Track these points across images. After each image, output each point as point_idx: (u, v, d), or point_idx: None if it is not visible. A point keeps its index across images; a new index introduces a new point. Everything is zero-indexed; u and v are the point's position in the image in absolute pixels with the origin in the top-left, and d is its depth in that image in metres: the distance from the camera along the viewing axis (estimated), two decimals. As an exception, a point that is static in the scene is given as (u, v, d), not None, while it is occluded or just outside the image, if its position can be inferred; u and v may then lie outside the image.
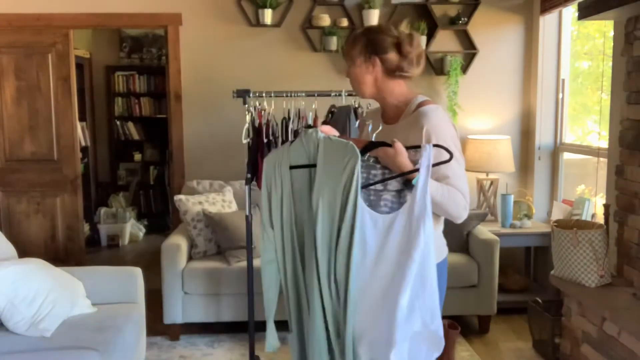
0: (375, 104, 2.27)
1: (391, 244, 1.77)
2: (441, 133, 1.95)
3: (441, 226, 2.10)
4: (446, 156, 1.85)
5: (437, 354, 1.80)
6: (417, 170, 1.80)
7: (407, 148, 1.87)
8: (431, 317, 1.76)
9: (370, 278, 1.78)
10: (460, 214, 1.96)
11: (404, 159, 1.85)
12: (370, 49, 2.05)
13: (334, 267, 1.80)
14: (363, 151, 1.85)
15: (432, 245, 1.76)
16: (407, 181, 1.88)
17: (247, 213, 3.32)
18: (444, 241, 2.13)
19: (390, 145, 1.85)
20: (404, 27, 4.59)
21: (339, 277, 1.80)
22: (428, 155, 1.77)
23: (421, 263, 1.74)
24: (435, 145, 1.84)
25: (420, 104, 2.04)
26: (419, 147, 1.86)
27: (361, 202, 1.77)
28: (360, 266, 1.77)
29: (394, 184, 1.88)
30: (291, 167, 1.92)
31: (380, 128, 2.03)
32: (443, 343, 1.79)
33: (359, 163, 1.76)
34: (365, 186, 1.85)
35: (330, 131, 1.91)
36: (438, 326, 1.77)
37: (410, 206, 1.77)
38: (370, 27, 2.14)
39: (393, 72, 2.06)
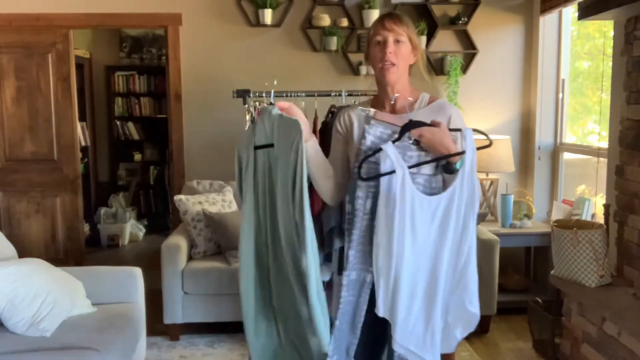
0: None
1: (435, 226, 1.81)
2: (463, 125, 1.99)
3: None
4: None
5: (471, 330, 1.94)
6: (461, 153, 1.81)
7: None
8: (470, 299, 1.88)
9: (419, 257, 1.82)
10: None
11: (450, 141, 1.84)
12: (418, 39, 2.07)
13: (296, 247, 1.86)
14: (403, 130, 1.83)
15: (476, 230, 1.88)
16: (443, 165, 1.87)
17: (247, 213, 3.32)
18: None
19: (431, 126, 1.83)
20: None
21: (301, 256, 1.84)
22: (472, 138, 1.81)
23: (470, 247, 1.86)
24: (475, 130, 1.86)
25: (433, 98, 2.08)
26: (456, 130, 1.88)
27: (411, 184, 1.78)
28: (412, 247, 1.80)
29: (428, 168, 1.86)
30: (255, 148, 1.93)
31: (411, 114, 1.99)
32: (477, 321, 1.93)
33: (302, 141, 1.77)
34: (420, 164, 1.84)
35: (290, 109, 1.88)
36: (477, 307, 1.91)
37: (454, 190, 1.81)
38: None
39: (411, 67, 2.09)
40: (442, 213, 1.81)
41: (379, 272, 1.82)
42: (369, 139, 1.88)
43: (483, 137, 1.93)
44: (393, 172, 1.76)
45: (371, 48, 2.03)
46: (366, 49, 2.09)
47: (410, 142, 1.84)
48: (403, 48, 1.99)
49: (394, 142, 1.81)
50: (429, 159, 1.84)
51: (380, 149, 1.80)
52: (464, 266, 1.87)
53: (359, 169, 1.85)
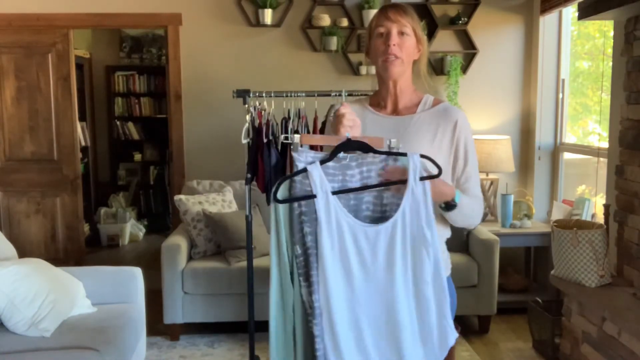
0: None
1: (380, 261, 1.58)
2: (469, 134, 1.86)
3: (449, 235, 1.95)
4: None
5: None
6: (435, 176, 1.61)
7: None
8: (439, 337, 1.63)
9: (371, 298, 1.59)
10: (478, 222, 1.89)
11: (446, 185, 1.73)
12: (422, 33, 1.88)
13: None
14: (337, 150, 1.58)
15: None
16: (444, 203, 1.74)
17: (247, 213, 3.32)
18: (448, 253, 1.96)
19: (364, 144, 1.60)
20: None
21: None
22: (417, 163, 1.59)
23: (436, 278, 1.61)
24: (423, 157, 1.62)
25: (437, 100, 1.92)
26: (402, 154, 1.61)
27: (338, 210, 1.55)
28: (358, 284, 1.57)
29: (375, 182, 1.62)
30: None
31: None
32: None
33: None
34: (347, 191, 1.59)
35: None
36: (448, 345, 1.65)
37: (396, 220, 1.57)
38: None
39: (414, 63, 1.90)
40: (385, 246, 1.57)
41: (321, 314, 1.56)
42: (300, 167, 1.59)
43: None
44: (314, 196, 1.54)
45: (373, 41, 1.84)
46: (367, 43, 1.89)
47: (347, 160, 1.59)
48: (407, 41, 1.81)
49: (323, 162, 1.56)
50: (372, 176, 1.60)
51: (304, 169, 1.55)
52: (424, 311, 1.60)
53: (275, 191, 1.56)
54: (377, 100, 1.92)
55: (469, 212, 1.82)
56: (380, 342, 1.59)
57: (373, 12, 4.46)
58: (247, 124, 3.38)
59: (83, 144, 6.45)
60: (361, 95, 3.70)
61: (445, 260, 1.87)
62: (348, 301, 1.57)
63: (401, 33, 1.80)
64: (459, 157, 1.84)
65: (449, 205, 1.75)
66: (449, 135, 1.82)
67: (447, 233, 1.91)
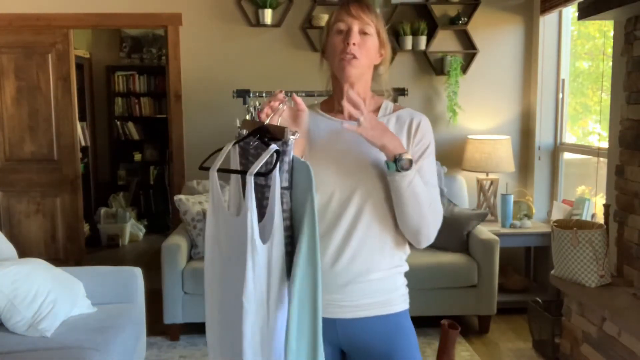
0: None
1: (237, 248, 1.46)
2: (430, 137, 1.67)
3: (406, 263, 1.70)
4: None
5: None
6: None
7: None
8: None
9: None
10: (434, 235, 1.61)
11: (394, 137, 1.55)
12: (385, 32, 1.68)
13: None
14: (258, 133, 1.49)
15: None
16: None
17: (247, 213, 3.32)
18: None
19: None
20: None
21: None
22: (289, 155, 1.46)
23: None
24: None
25: (398, 106, 1.72)
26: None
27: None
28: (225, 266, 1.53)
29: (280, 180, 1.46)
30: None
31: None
32: None
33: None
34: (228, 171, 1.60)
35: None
36: None
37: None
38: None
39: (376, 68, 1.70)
40: (238, 239, 1.44)
41: None
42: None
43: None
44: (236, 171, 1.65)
45: (330, 38, 1.63)
46: (324, 40, 1.67)
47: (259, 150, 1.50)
48: (369, 41, 1.61)
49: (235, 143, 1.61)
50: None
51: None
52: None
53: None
54: (331, 104, 1.71)
55: (424, 200, 1.55)
56: (227, 333, 1.52)
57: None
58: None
59: (83, 144, 6.46)
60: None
61: (403, 293, 1.67)
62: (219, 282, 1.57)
63: (363, 32, 1.60)
64: (415, 154, 1.62)
65: (397, 161, 1.50)
66: (408, 138, 1.64)
67: (406, 253, 1.68)
